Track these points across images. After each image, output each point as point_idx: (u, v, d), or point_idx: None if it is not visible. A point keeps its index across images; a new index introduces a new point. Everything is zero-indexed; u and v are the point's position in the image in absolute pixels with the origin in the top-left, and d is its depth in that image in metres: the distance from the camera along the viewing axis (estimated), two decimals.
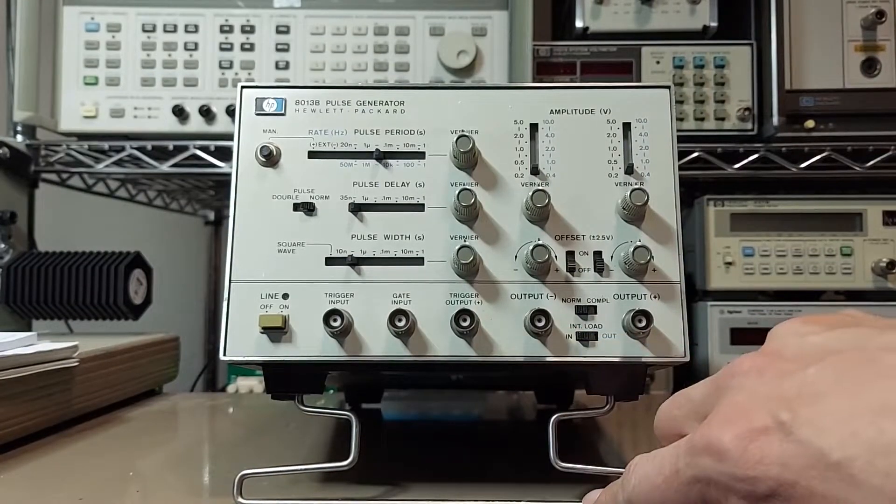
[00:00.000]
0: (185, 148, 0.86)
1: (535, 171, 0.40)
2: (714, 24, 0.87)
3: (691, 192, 0.92)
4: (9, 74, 0.88)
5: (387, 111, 0.41)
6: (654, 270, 0.38)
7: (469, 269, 0.38)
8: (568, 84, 0.42)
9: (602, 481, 0.33)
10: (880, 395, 0.21)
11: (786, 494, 0.22)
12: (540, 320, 0.37)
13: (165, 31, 0.86)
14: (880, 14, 0.82)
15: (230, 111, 0.85)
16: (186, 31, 0.86)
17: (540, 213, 0.39)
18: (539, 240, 0.38)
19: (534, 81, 0.84)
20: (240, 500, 0.38)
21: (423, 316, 0.38)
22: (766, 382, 0.24)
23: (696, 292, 0.87)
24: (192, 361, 1.33)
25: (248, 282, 0.38)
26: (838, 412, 0.22)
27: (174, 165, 0.87)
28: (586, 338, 0.38)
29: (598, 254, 0.39)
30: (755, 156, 0.86)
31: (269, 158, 0.40)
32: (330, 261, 0.39)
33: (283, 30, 0.86)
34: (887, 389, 0.21)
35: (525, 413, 0.71)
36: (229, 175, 0.41)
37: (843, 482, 0.21)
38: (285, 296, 0.38)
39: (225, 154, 0.86)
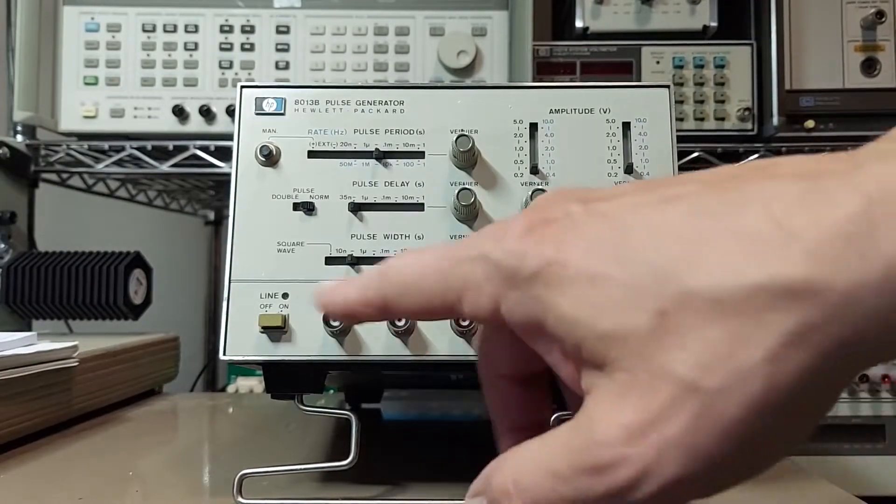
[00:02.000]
0: (185, 148, 0.86)
1: (534, 170, 0.40)
2: (714, 24, 0.87)
3: None
4: (9, 74, 0.88)
5: (386, 111, 0.41)
6: None
7: None
8: (568, 84, 0.42)
9: None
10: (673, 190, 0.20)
11: (553, 274, 0.20)
12: None
13: (165, 31, 0.86)
14: (880, 14, 0.82)
15: (230, 111, 0.85)
16: (186, 31, 0.86)
17: None
18: None
19: (534, 81, 0.84)
20: (240, 499, 0.38)
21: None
22: (567, 192, 0.23)
23: None
24: (192, 361, 1.33)
25: (247, 281, 0.38)
26: (629, 203, 0.21)
27: (174, 165, 0.87)
28: None
29: None
30: (755, 156, 0.86)
31: (269, 158, 0.40)
32: (330, 260, 0.39)
33: (283, 30, 0.86)
34: (682, 187, 0.20)
35: None
36: (229, 175, 0.41)
37: (618, 260, 0.19)
38: (285, 295, 0.38)
39: (225, 154, 0.86)
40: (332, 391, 0.76)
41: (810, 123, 0.83)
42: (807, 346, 0.17)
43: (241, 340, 0.38)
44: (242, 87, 0.41)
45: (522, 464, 0.22)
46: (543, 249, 0.21)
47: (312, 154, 0.40)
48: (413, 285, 0.24)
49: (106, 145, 0.87)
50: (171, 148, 0.87)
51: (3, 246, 0.84)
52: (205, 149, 0.86)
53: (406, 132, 0.40)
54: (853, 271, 0.16)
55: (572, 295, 0.20)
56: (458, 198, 0.38)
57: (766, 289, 0.17)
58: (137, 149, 0.86)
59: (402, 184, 0.40)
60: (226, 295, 0.38)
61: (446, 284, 0.23)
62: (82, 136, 0.88)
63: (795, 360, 0.17)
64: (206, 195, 1.24)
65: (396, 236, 0.39)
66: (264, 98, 0.41)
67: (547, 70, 0.88)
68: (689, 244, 0.18)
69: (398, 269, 0.24)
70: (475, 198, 0.38)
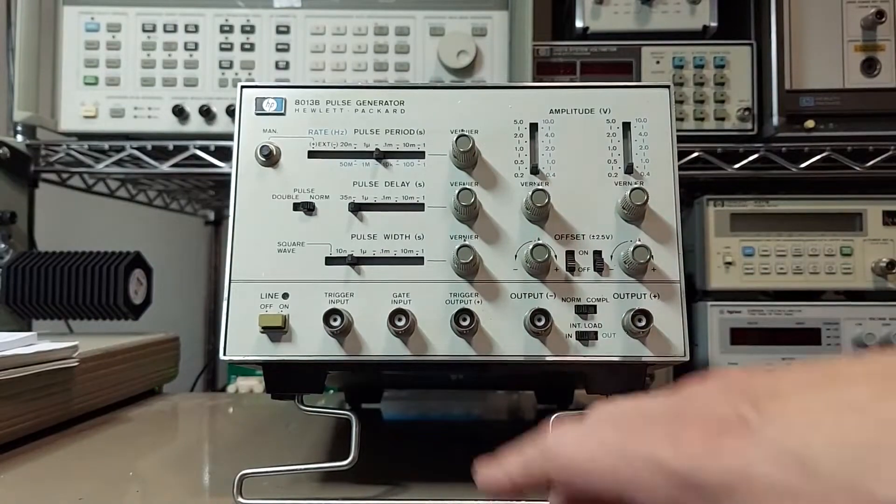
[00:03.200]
0: (185, 148, 0.86)
1: (534, 170, 0.40)
2: (714, 24, 0.86)
3: (691, 192, 0.92)
4: (9, 74, 0.88)
5: (387, 111, 0.41)
6: (653, 270, 0.38)
7: (469, 269, 0.38)
8: (568, 84, 0.42)
9: None
10: (842, 394, 0.21)
11: (744, 489, 0.21)
12: (540, 320, 0.37)
13: (165, 31, 0.86)
14: (880, 14, 0.82)
15: (230, 111, 0.85)
16: (186, 31, 0.86)
17: (540, 212, 0.39)
18: (539, 239, 0.38)
19: (534, 81, 0.84)
20: (240, 499, 0.38)
21: (423, 315, 0.38)
22: (731, 387, 0.24)
23: (696, 292, 0.87)
24: (192, 361, 1.33)
25: (248, 282, 0.38)
26: (802, 409, 0.21)
27: (174, 165, 0.87)
28: (586, 337, 0.38)
29: (597, 253, 0.39)
30: (755, 156, 0.86)
31: (269, 158, 0.40)
32: (330, 260, 0.39)
33: (283, 30, 0.86)
34: (848, 390, 0.21)
35: (525, 413, 0.71)
36: (229, 175, 0.41)
37: (802, 474, 0.20)
38: (285, 295, 0.38)
39: (225, 154, 0.86)
40: (332, 391, 0.76)
41: (810, 123, 0.83)
42: None
43: (241, 340, 0.38)
44: (243, 87, 0.41)
45: None
46: (727, 462, 0.21)
47: (312, 154, 0.40)
48: (581, 472, 0.25)
49: (106, 145, 0.87)
50: (171, 148, 0.87)
51: (3, 246, 0.84)
52: (205, 149, 0.86)
53: (406, 132, 0.40)
54: None
55: None
56: (458, 198, 0.38)
57: None
58: (137, 149, 0.86)
59: (403, 184, 0.40)
60: (226, 295, 0.38)
61: (617, 479, 0.24)
62: (82, 136, 0.87)
63: None
64: (206, 195, 1.24)
65: (396, 236, 0.39)
66: (264, 98, 0.41)
67: (547, 70, 0.88)
68: (872, 457, 0.19)
69: (564, 454, 0.26)
70: (475, 198, 0.38)
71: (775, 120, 0.83)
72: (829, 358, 0.25)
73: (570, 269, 0.39)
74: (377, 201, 0.40)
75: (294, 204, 0.39)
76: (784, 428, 0.21)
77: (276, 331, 0.38)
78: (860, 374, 0.22)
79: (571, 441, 0.26)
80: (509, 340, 0.38)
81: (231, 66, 0.86)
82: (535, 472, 0.27)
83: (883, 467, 0.19)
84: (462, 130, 0.40)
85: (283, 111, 0.41)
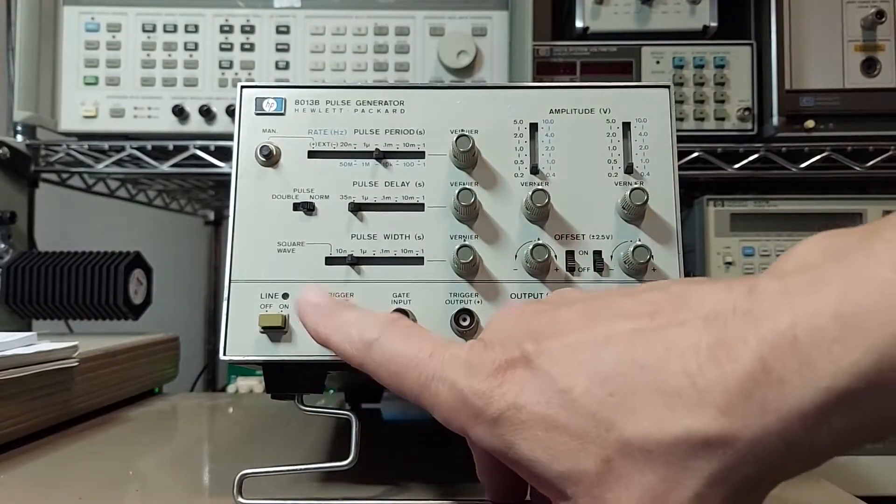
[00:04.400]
0: (185, 148, 0.86)
1: (534, 170, 0.40)
2: (714, 24, 0.87)
3: (691, 192, 0.92)
4: (9, 74, 0.88)
5: (386, 111, 0.41)
6: (653, 270, 0.38)
7: (469, 269, 0.38)
8: (568, 84, 0.42)
9: None
10: (607, 328, 0.24)
11: (512, 418, 0.24)
12: None
13: (165, 31, 0.86)
14: (880, 14, 0.82)
15: (230, 111, 0.85)
16: (186, 31, 0.86)
17: (540, 212, 0.39)
18: (539, 239, 0.38)
19: (534, 81, 0.84)
20: (240, 499, 0.38)
21: (423, 315, 0.38)
22: (527, 319, 0.27)
23: None
24: (192, 361, 1.33)
25: (248, 281, 0.38)
26: (572, 344, 0.24)
27: (174, 165, 0.87)
28: None
29: (597, 253, 0.39)
30: (755, 156, 0.86)
31: (269, 158, 0.40)
32: (330, 260, 0.39)
33: (283, 30, 0.86)
34: (615, 325, 0.24)
35: None
36: (229, 175, 0.41)
37: (565, 408, 0.23)
38: (285, 295, 0.38)
39: (225, 154, 0.86)
40: (332, 391, 0.76)
41: (810, 123, 0.83)
42: (726, 485, 0.21)
43: (241, 340, 0.38)
44: (242, 87, 0.41)
45: None
46: (504, 393, 0.24)
47: (312, 154, 0.40)
48: (392, 374, 0.29)
49: (106, 145, 0.87)
50: (171, 148, 0.87)
51: (3, 246, 0.84)
52: (205, 149, 0.86)
53: (406, 132, 0.40)
54: (755, 424, 0.20)
55: (529, 437, 0.24)
56: (458, 198, 0.38)
57: (688, 440, 0.21)
58: (137, 149, 0.86)
59: (402, 184, 0.40)
60: (226, 295, 0.38)
61: (421, 391, 0.27)
62: (82, 136, 0.87)
63: (718, 495, 0.21)
64: (206, 195, 1.24)
65: (396, 236, 0.39)
66: (264, 98, 0.41)
67: (547, 70, 0.88)
68: (623, 395, 0.22)
69: (383, 352, 0.29)
70: (475, 198, 0.38)
71: (775, 120, 0.83)
72: (616, 290, 0.27)
73: (570, 269, 0.39)
74: (377, 201, 0.40)
75: (294, 204, 0.39)
76: (554, 363, 0.24)
77: (276, 331, 0.38)
78: (631, 309, 0.24)
79: (394, 343, 0.29)
80: None
81: (231, 66, 0.86)
82: (351, 354, 0.30)
83: (631, 407, 0.22)
84: (462, 130, 0.40)
85: (282, 111, 0.41)
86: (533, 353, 0.25)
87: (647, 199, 0.38)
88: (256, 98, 0.41)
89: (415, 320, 0.37)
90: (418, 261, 0.39)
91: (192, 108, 0.85)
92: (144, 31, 0.86)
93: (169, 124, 0.85)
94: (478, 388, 0.25)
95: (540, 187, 0.38)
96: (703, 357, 0.21)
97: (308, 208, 0.39)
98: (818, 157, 0.85)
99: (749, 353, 0.21)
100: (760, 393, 0.20)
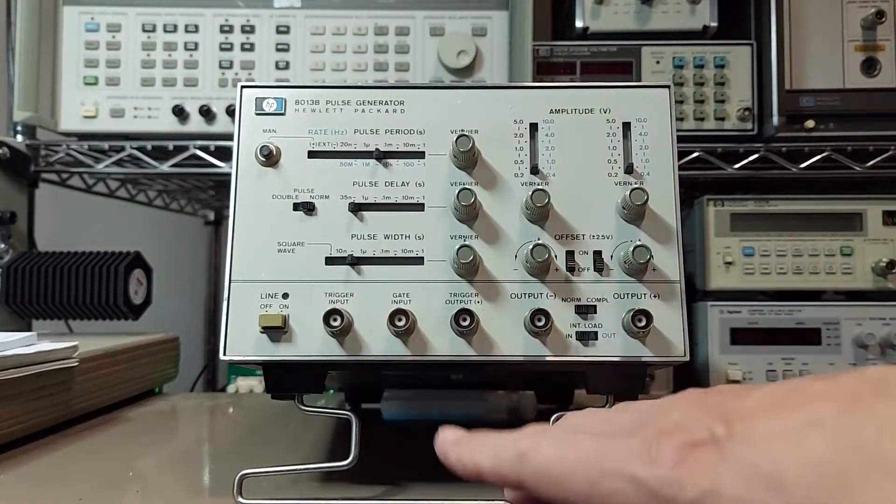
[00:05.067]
0: (185, 148, 0.86)
1: (534, 170, 0.40)
2: (714, 24, 0.86)
3: (691, 192, 0.92)
4: (9, 74, 0.88)
5: (386, 111, 0.41)
6: (653, 270, 0.38)
7: (469, 269, 0.38)
8: (568, 84, 0.42)
9: None
10: (809, 413, 0.22)
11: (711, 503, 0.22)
12: (540, 320, 0.37)
13: (165, 31, 0.86)
14: (880, 14, 0.82)
15: (230, 111, 0.85)
16: (186, 31, 0.86)
17: (540, 212, 0.39)
18: (539, 239, 0.38)
19: (534, 81, 0.84)
20: (240, 499, 0.38)
21: (423, 315, 0.38)
22: (704, 405, 0.25)
23: (696, 292, 0.87)
24: (192, 361, 1.33)
25: (248, 282, 0.38)
26: (770, 429, 0.22)
27: (174, 165, 0.87)
28: (586, 337, 0.38)
29: (597, 253, 0.39)
30: (755, 156, 0.86)
31: (269, 158, 0.40)
32: (330, 260, 0.39)
33: (283, 30, 0.86)
34: (815, 408, 0.22)
35: (525, 413, 0.71)
36: (229, 175, 0.41)
37: (772, 492, 0.21)
38: (285, 295, 0.38)
39: (225, 154, 0.86)
40: (332, 391, 0.76)
41: (810, 123, 0.83)
42: None
43: (241, 340, 0.38)
44: (243, 87, 0.41)
45: None
46: (698, 480, 0.22)
47: (312, 154, 0.40)
48: (556, 482, 0.25)
49: (106, 145, 0.87)
50: (171, 148, 0.87)
51: (3, 246, 0.84)
52: (205, 149, 0.86)
53: (406, 132, 0.40)
54: None
55: None
56: (458, 198, 0.38)
57: None
58: (137, 149, 0.86)
59: (402, 184, 0.40)
60: (226, 295, 0.38)
61: (592, 492, 0.24)
62: (82, 136, 0.87)
63: None
64: (206, 195, 1.24)
65: (396, 236, 0.39)
66: (264, 98, 0.41)
67: (547, 70, 0.88)
68: (838, 478, 0.20)
69: (540, 461, 0.26)
70: (475, 198, 0.38)
71: (775, 120, 0.83)
72: (799, 378, 0.26)
73: (570, 269, 0.39)
74: (377, 201, 0.40)
75: (294, 204, 0.39)
76: (753, 447, 0.22)
77: (276, 331, 0.38)
78: (827, 393, 0.23)
79: (549, 449, 0.26)
80: (509, 340, 0.38)
81: (231, 66, 0.86)
82: (506, 472, 0.27)
83: (850, 487, 0.20)
84: (462, 130, 0.40)
85: (283, 111, 0.41)
86: (724, 436, 0.23)
87: (647, 199, 0.38)
88: (256, 98, 0.41)
89: (415, 320, 0.38)
90: (418, 261, 0.39)
91: (192, 108, 0.85)
92: (144, 31, 0.86)
93: (169, 124, 0.85)
94: (665, 476, 0.23)
95: (540, 187, 0.38)
96: None
97: (308, 208, 0.39)
98: (818, 157, 0.85)
99: None
100: None
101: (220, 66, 0.86)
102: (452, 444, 0.30)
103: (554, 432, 0.28)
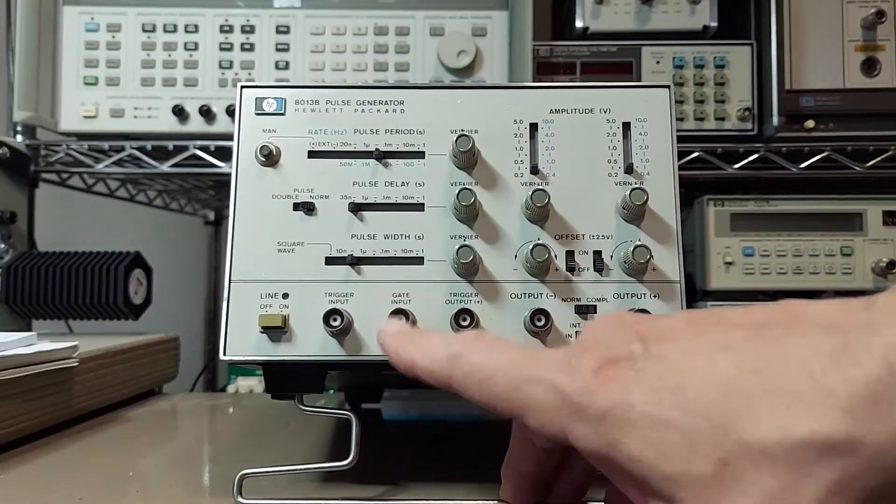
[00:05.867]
0: (185, 148, 0.86)
1: (534, 170, 0.40)
2: (714, 24, 0.87)
3: (691, 192, 0.92)
4: (9, 74, 0.88)
5: (386, 111, 0.41)
6: (653, 270, 0.38)
7: (469, 269, 0.38)
8: (568, 84, 0.42)
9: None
10: (721, 337, 0.23)
11: (620, 416, 0.23)
12: (540, 319, 0.37)
13: (165, 31, 0.86)
14: (880, 14, 0.82)
15: (230, 111, 0.85)
16: (186, 31, 0.86)
17: (540, 212, 0.39)
18: (539, 239, 0.38)
19: (534, 81, 0.84)
20: (240, 499, 0.38)
21: (423, 315, 0.38)
22: (625, 325, 0.26)
23: (696, 292, 0.87)
24: (192, 361, 1.33)
25: (248, 282, 0.38)
26: (683, 348, 0.24)
27: (174, 165, 0.87)
28: None
29: (597, 253, 0.39)
30: (755, 156, 0.86)
31: (269, 158, 0.40)
32: (330, 260, 0.39)
33: (283, 30, 0.86)
34: (728, 333, 0.23)
35: None
36: (229, 175, 0.41)
37: (678, 408, 0.22)
38: (285, 295, 0.38)
39: (225, 154, 0.86)
40: (332, 391, 0.76)
41: (810, 123, 0.83)
42: (848, 493, 0.20)
43: (241, 340, 0.38)
44: (242, 87, 0.41)
45: None
46: (611, 390, 0.23)
47: (312, 154, 0.40)
48: (480, 383, 0.27)
49: (106, 145, 0.87)
50: (171, 148, 0.87)
51: (3, 246, 0.84)
52: (205, 149, 0.86)
53: (406, 132, 0.40)
54: (883, 428, 0.19)
55: (637, 436, 0.23)
56: (458, 198, 0.38)
57: (811, 443, 0.20)
58: (137, 149, 0.86)
59: (402, 184, 0.40)
60: (226, 295, 0.38)
61: (513, 395, 0.26)
62: (82, 136, 0.87)
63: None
64: (206, 195, 1.24)
65: (396, 236, 0.39)
66: (264, 98, 0.41)
67: (547, 70, 0.88)
68: (740, 398, 0.21)
69: (470, 364, 0.28)
70: (475, 198, 0.38)
71: (775, 120, 0.83)
72: (719, 306, 0.27)
73: (570, 269, 0.39)
74: (377, 201, 0.40)
75: (294, 204, 0.39)
76: (664, 363, 0.23)
77: (276, 331, 0.38)
78: (741, 321, 0.24)
79: (478, 353, 0.28)
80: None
81: (231, 66, 0.86)
82: (436, 371, 0.29)
83: (748, 408, 0.21)
84: (462, 130, 0.40)
85: (282, 111, 0.41)
86: (640, 353, 0.24)
87: (647, 199, 0.38)
88: (256, 98, 0.41)
89: (415, 320, 0.38)
90: (418, 261, 0.39)
91: (192, 108, 0.85)
92: (144, 31, 0.86)
93: (169, 124, 0.85)
94: (580, 385, 0.24)
95: (540, 187, 0.38)
96: (826, 361, 0.21)
97: (308, 208, 0.39)
98: (818, 157, 0.85)
99: (874, 358, 0.20)
100: (888, 397, 0.19)
101: (220, 66, 0.86)
102: (393, 335, 0.32)
103: (487, 338, 0.29)
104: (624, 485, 0.24)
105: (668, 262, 0.39)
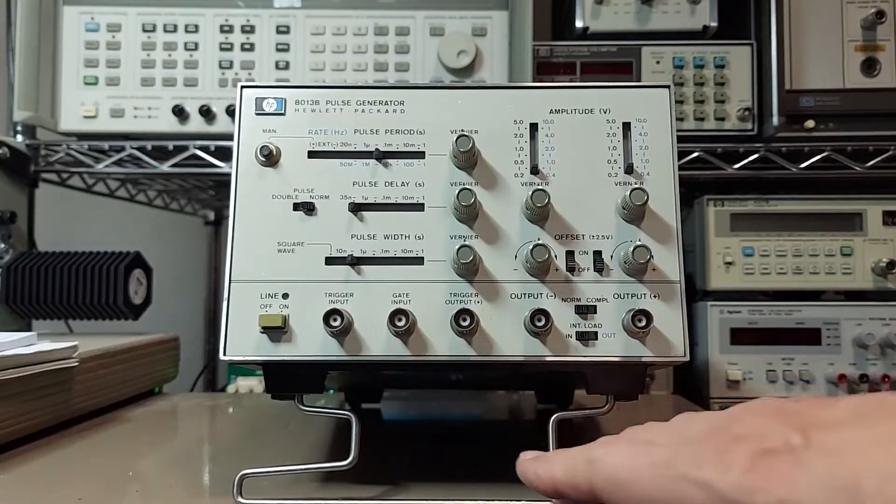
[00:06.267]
0: (185, 148, 0.86)
1: (534, 170, 0.40)
2: (714, 24, 0.86)
3: (691, 192, 0.92)
4: (9, 74, 0.88)
5: (387, 111, 0.41)
6: (653, 270, 0.38)
7: (469, 269, 0.38)
8: (568, 84, 0.42)
9: None
10: (892, 426, 0.21)
11: None
12: (540, 320, 0.37)
13: (165, 31, 0.86)
14: (880, 14, 0.82)
15: (230, 111, 0.85)
16: (186, 31, 0.86)
17: (540, 212, 0.39)
18: (539, 239, 0.38)
19: (534, 81, 0.84)
20: (240, 499, 0.38)
21: (423, 315, 0.38)
22: (781, 414, 0.24)
23: (696, 292, 0.87)
24: (192, 361, 1.33)
25: (248, 282, 0.38)
26: (850, 440, 0.22)
27: (174, 165, 0.87)
28: (586, 337, 0.38)
29: (597, 253, 0.39)
30: (755, 156, 0.86)
31: (269, 158, 0.40)
32: (330, 260, 0.39)
33: (283, 30, 0.86)
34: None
35: (525, 413, 0.71)
36: (229, 175, 0.41)
37: (849, 502, 0.20)
38: (285, 295, 0.38)
39: (225, 154, 0.86)
40: (332, 391, 0.76)
41: (810, 123, 0.83)
42: None
43: (241, 340, 0.38)
44: (243, 87, 0.41)
45: None
46: (773, 487, 0.21)
47: (312, 154, 0.40)
48: (626, 487, 0.25)
49: (106, 145, 0.87)
50: (171, 148, 0.87)
51: (3, 246, 0.84)
52: (205, 149, 0.86)
53: (406, 132, 0.40)
54: None
55: None
56: (458, 198, 0.38)
57: None
58: (137, 149, 0.86)
59: (402, 184, 0.40)
60: (226, 295, 0.38)
61: (661, 497, 0.24)
62: (82, 136, 0.87)
63: None
64: (206, 195, 1.24)
65: (396, 236, 0.39)
66: (264, 98, 0.41)
67: (547, 70, 0.88)
68: None
69: (611, 466, 0.26)
70: (475, 198, 0.38)
71: (775, 120, 0.83)
72: (882, 392, 0.25)
73: (570, 270, 0.39)
74: (377, 201, 0.40)
75: (294, 204, 0.39)
76: (832, 457, 0.21)
77: (276, 331, 0.38)
78: None
79: (621, 455, 0.26)
80: (509, 340, 0.38)
81: (231, 66, 0.86)
82: (579, 480, 0.27)
83: None
84: (462, 130, 0.40)
85: (283, 111, 0.41)
86: (801, 445, 0.22)
87: (647, 199, 0.38)
88: (256, 98, 0.41)
89: (415, 320, 0.38)
90: (418, 261, 0.39)
91: (192, 108, 0.85)
92: (144, 31, 0.86)
93: (169, 124, 0.85)
94: (737, 482, 0.22)
95: (540, 187, 0.38)
96: None
97: (308, 208, 0.39)
98: (818, 157, 0.85)
99: None
100: None
101: (220, 66, 0.86)
102: (531, 461, 0.31)
103: (625, 440, 0.28)
104: None
105: (668, 262, 0.39)
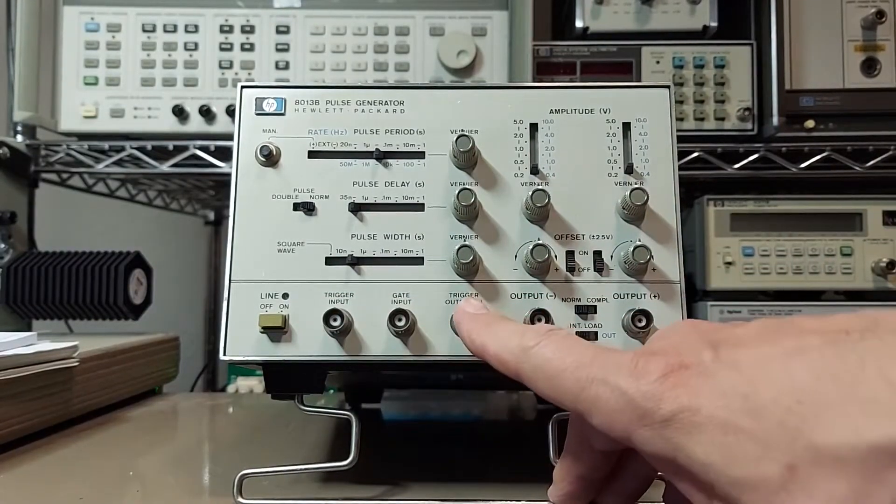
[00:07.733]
0: (185, 148, 0.86)
1: (534, 170, 0.40)
2: (714, 24, 0.87)
3: (691, 192, 0.92)
4: (9, 74, 0.88)
5: (386, 111, 0.41)
6: (653, 270, 0.38)
7: (469, 269, 0.38)
8: (568, 84, 0.42)
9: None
10: (796, 343, 0.23)
11: (686, 420, 0.23)
12: (540, 320, 0.37)
13: (165, 31, 0.86)
14: (880, 14, 0.82)
15: (230, 111, 0.85)
16: (186, 31, 0.86)
17: (540, 212, 0.39)
18: (539, 239, 0.38)
19: (534, 81, 0.84)
20: (240, 499, 0.38)
21: (423, 315, 0.38)
22: (697, 332, 0.26)
23: (696, 292, 0.87)
24: (192, 361, 1.33)
25: (248, 282, 0.38)
26: (755, 355, 0.23)
27: (174, 165, 0.87)
28: (586, 337, 0.38)
29: (597, 253, 0.39)
30: (755, 156, 0.86)
31: (269, 158, 0.40)
32: (330, 260, 0.39)
33: (283, 30, 0.86)
34: (803, 340, 0.23)
35: (525, 413, 0.71)
36: (229, 175, 0.41)
37: (748, 413, 0.22)
38: (285, 295, 0.38)
39: (225, 154, 0.86)
40: (332, 391, 0.76)
41: (810, 123, 0.83)
42: None
43: (242, 340, 0.38)
44: (243, 87, 0.41)
45: None
46: (678, 395, 0.23)
47: (312, 154, 0.40)
48: (549, 378, 0.28)
49: (106, 145, 0.87)
50: (171, 148, 0.87)
51: (3, 246, 0.84)
52: (205, 149, 0.86)
53: (406, 132, 0.40)
54: None
55: (704, 440, 0.22)
56: (458, 198, 0.38)
57: (885, 449, 0.19)
58: (137, 149, 0.86)
59: (402, 184, 0.40)
60: (226, 295, 0.38)
61: (579, 394, 0.26)
62: (82, 136, 0.88)
63: None
64: (206, 195, 1.24)
65: (396, 236, 0.39)
66: (264, 98, 0.41)
67: (547, 70, 0.88)
68: (814, 403, 0.21)
69: (541, 357, 0.28)
70: (475, 198, 0.38)
71: (775, 120, 0.83)
72: (788, 317, 0.26)
73: (570, 270, 0.39)
74: (377, 201, 0.40)
75: (294, 204, 0.39)
76: (735, 370, 0.23)
77: (276, 331, 0.38)
78: (818, 327, 0.23)
79: (549, 349, 0.28)
80: None
81: (231, 66, 0.86)
82: (507, 360, 0.30)
83: (824, 416, 0.21)
84: (462, 130, 0.40)
85: (283, 111, 0.41)
86: (711, 360, 0.24)
87: (647, 199, 0.38)
88: (256, 98, 0.41)
89: (415, 320, 0.38)
90: (418, 261, 0.39)
91: (192, 108, 0.85)
92: (144, 31, 0.86)
93: (169, 124, 0.85)
94: (646, 389, 0.24)
95: (540, 187, 0.38)
96: None
97: (308, 208, 0.39)
98: (818, 157, 0.85)
99: None
100: None
101: (220, 66, 0.86)
102: (470, 318, 0.33)
103: (560, 334, 0.29)
104: (688, 489, 0.24)
105: (669, 262, 0.39)
